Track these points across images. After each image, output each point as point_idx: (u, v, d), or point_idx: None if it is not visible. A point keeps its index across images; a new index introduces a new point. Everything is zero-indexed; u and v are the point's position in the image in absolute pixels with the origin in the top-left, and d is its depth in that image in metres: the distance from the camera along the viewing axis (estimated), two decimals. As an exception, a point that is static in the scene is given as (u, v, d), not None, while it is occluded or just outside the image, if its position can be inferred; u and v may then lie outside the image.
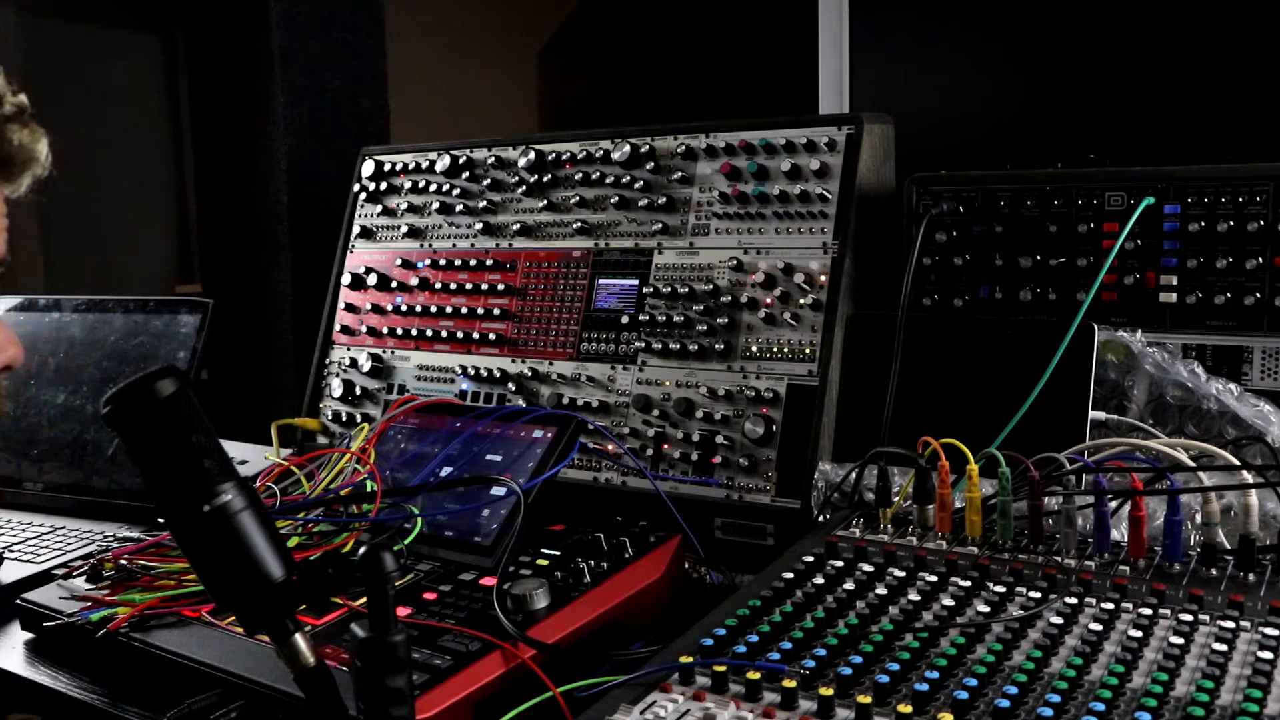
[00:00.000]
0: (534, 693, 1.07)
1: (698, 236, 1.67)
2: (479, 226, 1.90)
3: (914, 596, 1.08)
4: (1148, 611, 1.02)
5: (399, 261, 1.99)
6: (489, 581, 1.24)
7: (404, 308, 1.96)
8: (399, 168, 2.03)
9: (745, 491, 1.54)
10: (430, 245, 1.96)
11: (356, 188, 2.08)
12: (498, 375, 1.79)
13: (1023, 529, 1.19)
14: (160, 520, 1.51)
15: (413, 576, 1.30)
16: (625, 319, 1.70)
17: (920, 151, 1.70)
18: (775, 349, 1.56)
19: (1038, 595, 1.06)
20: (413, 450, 1.55)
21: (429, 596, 1.24)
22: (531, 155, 1.84)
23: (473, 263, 1.89)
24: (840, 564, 1.18)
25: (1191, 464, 1.14)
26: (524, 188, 1.85)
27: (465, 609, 1.19)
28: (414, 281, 1.94)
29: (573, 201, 1.80)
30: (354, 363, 1.97)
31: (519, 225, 1.85)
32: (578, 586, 1.23)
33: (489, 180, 1.90)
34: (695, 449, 1.59)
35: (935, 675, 0.92)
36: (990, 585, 1.09)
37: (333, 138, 2.65)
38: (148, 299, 2.00)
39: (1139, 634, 0.97)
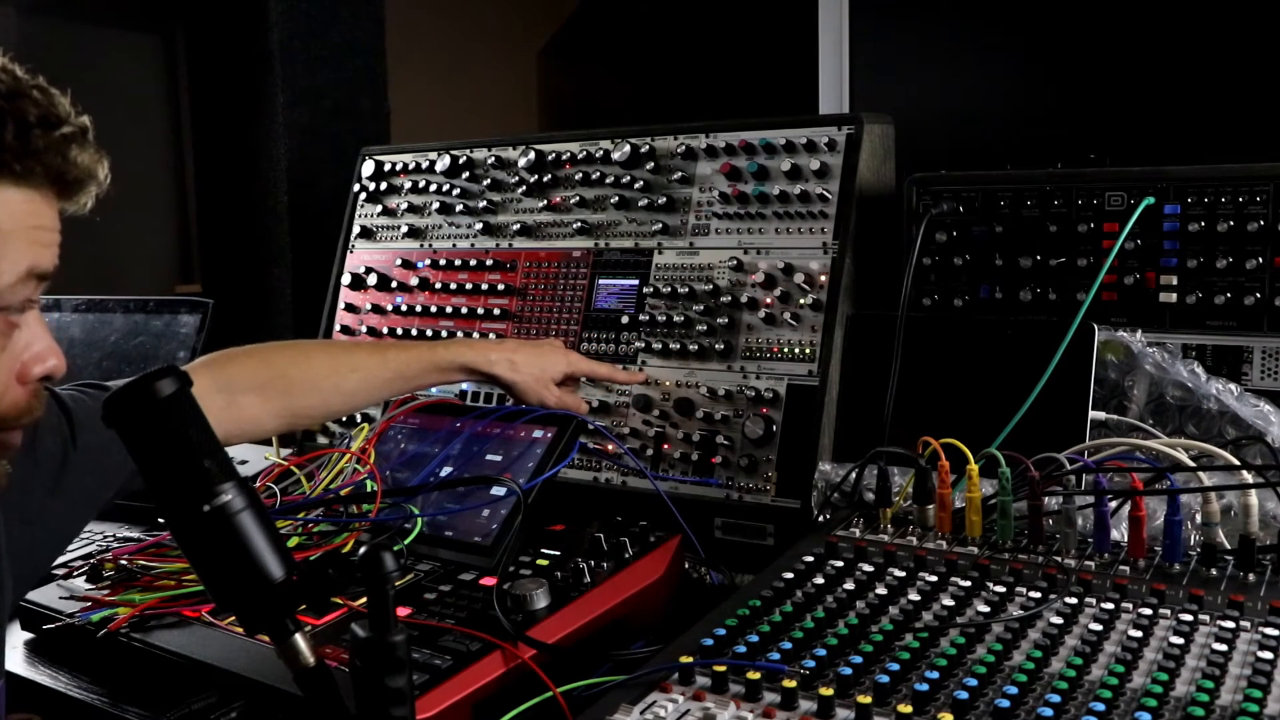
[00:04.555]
0: (534, 693, 1.07)
1: (698, 236, 1.67)
2: (479, 226, 1.90)
3: (914, 596, 1.08)
4: (1148, 611, 1.02)
5: (399, 261, 1.99)
6: (489, 581, 1.24)
7: (404, 308, 1.96)
8: (399, 168, 2.03)
9: (745, 491, 1.54)
10: (430, 245, 1.96)
11: (356, 188, 2.08)
12: (498, 375, 1.79)
13: (1023, 529, 1.19)
14: (160, 520, 1.51)
15: (413, 576, 1.30)
16: (625, 319, 1.70)
17: (920, 151, 1.70)
18: (775, 349, 1.56)
19: (1038, 595, 1.06)
20: (413, 450, 1.55)
21: (429, 596, 1.24)
22: (531, 155, 1.84)
23: (473, 263, 1.89)
24: (840, 564, 1.18)
25: (1191, 464, 1.14)
26: (524, 188, 1.85)
27: (465, 609, 1.19)
28: (414, 281, 1.94)
29: (573, 201, 1.80)
30: (354, 363, 1.96)
31: (519, 225, 1.85)
32: (578, 586, 1.23)
33: (489, 180, 1.90)
34: (695, 449, 1.59)
35: (935, 675, 0.92)
36: (990, 585, 1.09)
37: (333, 138, 2.65)
38: (148, 299, 2.00)
39: (1139, 634, 0.97)
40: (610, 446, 1.64)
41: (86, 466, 1.20)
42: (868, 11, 2.38)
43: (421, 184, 1.98)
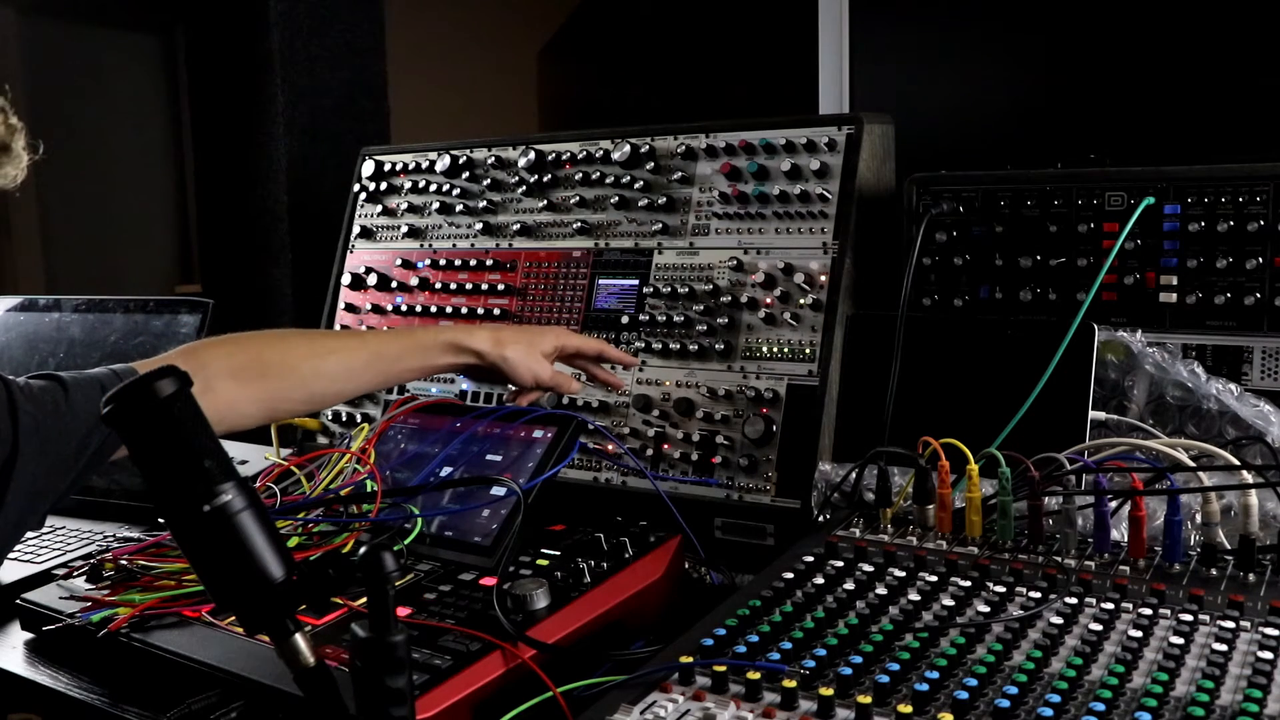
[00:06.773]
0: (534, 693, 1.07)
1: (698, 236, 1.67)
2: (479, 226, 1.90)
3: (914, 596, 1.08)
4: (1148, 611, 1.02)
5: (399, 261, 1.99)
6: (489, 581, 1.24)
7: (404, 308, 1.96)
8: (399, 168, 2.03)
9: (745, 491, 1.54)
10: (430, 245, 1.96)
11: (356, 188, 2.08)
12: (498, 375, 1.79)
13: (1023, 529, 1.19)
14: (160, 520, 1.51)
15: (413, 576, 1.30)
16: (625, 319, 1.70)
17: (920, 151, 1.70)
18: (775, 349, 1.56)
19: (1038, 595, 1.06)
20: (413, 450, 1.55)
21: (429, 596, 1.24)
22: (531, 155, 1.84)
23: (473, 263, 1.89)
24: (840, 564, 1.18)
25: (1191, 464, 1.14)
26: (524, 188, 1.85)
27: (465, 609, 1.19)
28: (414, 281, 1.94)
29: (573, 201, 1.80)
30: (354, 363, 1.96)
31: (519, 225, 1.85)
32: (578, 586, 1.23)
33: (489, 180, 1.90)
34: (695, 449, 1.59)
35: (935, 675, 0.92)
36: (990, 585, 1.09)
37: (333, 138, 2.65)
38: (148, 299, 2.00)
39: (1139, 634, 0.97)
40: (610, 446, 1.64)
41: (31, 457, 1.14)
42: (868, 11, 2.38)
43: (421, 184, 1.98)
